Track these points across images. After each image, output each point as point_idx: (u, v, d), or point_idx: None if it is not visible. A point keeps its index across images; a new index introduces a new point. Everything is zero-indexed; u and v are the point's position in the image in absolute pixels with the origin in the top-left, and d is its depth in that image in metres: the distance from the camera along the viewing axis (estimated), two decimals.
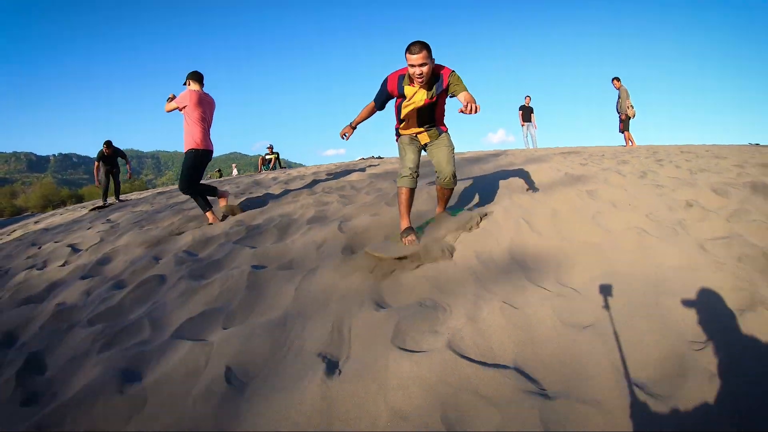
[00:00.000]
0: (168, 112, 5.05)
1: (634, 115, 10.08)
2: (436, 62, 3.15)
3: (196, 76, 5.13)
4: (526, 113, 12.89)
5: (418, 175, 3.35)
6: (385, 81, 3.31)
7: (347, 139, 3.51)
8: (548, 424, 1.48)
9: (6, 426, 1.91)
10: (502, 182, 5.12)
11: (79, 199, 28.42)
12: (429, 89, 3.19)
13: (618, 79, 10.13)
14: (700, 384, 1.60)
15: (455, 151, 3.56)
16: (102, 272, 3.74)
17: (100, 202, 10.74)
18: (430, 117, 3.38)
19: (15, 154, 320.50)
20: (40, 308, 3.15)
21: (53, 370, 2.29)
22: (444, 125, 3.56)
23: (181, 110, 4.88)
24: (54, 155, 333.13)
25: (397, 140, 3.59)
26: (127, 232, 5.10)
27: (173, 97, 5.06)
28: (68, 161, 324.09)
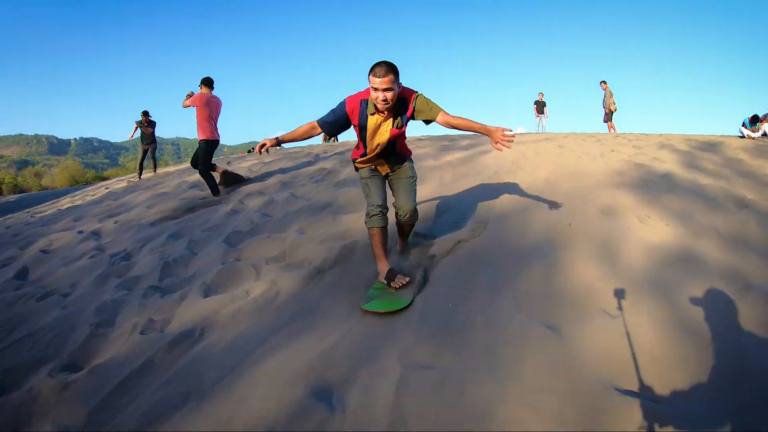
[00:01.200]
0: (184, 107, 6.54)
1: (615, 110, 13.02)
2: (403, 86, 2.79)
3: (207, 81, 6.55)
4: (540, 106, 16.08)
5: (387, 210, 3.03)
6: (344, 104, 2.84)
7: (264, 152, 2.92)
8: None
9: None
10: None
11: (104, 180, 30.72)
12: (394, 118, 2.84)
13: (605, 82, 13.25)
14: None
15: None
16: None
17: (136, 177, 11.37)
18: (392, 148, 3.02)
19: (36, 136, 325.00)
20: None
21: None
22: (407, 150, 3.21)
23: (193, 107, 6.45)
24: (75, 139, 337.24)
25: (356, 171, 3.21)
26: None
27: (191, 94, 6.52)
28: (89, 145, 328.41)
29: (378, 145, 2.91)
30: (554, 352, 2.05)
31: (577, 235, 3.19)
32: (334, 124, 2.85)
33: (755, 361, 1.90)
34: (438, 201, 4.39)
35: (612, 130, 13.17)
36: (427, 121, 2.86)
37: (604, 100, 13.54)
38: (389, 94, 2.61)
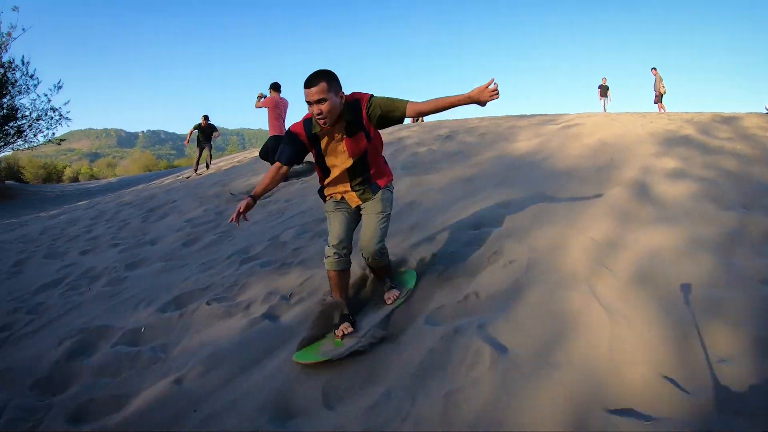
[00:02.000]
0: (257, 108, 7.72)
1: (665, 92, 14.77)
2: (349, 92, 2.46)
3: (276, 86, 7.80)
4: (603, 90, 18.35)
5: (349, 252, 2.62)
6: (289, 132, 2.55)
7: (243, 220, 2.50)
8: None
9: None
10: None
11: (173, 169, 34.75)
12: (348, 133, 2.48)
13: (655, 68, 15.17)
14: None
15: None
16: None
17: (192, 173, 12.79)
18: (363, 168, 2.62)
19: (105, 130, 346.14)
20: None
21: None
22: (383, 176, 2.77)
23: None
24: (143, 131, 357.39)
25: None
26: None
27: (262, 96, 7.71)
28: (156, 137, 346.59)
29: (338, 168, 2.60)
30: None
31: (620, 168, 5.28)
32: (294, 152, 2.53)
33: None
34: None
35: (662, 110, 14.82)
36: (395, 120, 2.46)
37: (654, 84, 15.39)
38: (323, 106, 2.30)
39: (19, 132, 19.39)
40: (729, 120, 7.91)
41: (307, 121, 2.49)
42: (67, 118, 20.23)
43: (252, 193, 2.53)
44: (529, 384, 1.99)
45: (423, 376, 2.22)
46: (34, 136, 19.92)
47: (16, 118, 19.22)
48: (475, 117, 12.60)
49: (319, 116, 2.34)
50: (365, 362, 2.42)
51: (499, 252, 3.30)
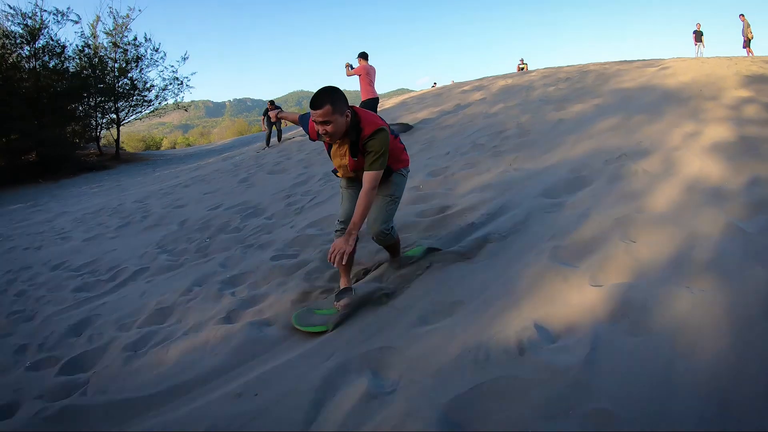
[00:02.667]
0: (348, 76, 8.40)
1: (752, 38, 15.73)
2: (369, 115, 2.50)
3: (364, 55, 8.47)
4: (698, 36, 18.91)
5: None
6: (307, 119, 2.71)
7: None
8: None
9: None
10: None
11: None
12: (351, 149, 2.52)
13: (743, 15, 15.85)
14: None
15: None
16: None
17: (264, 146, 14.06)
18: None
19: (194, 102, 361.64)
20: None
21: None
22: (397, 163, 2.75)
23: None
24: (229, 101, 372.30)
25: None
26: None
27: (350, 65, 8.34)
28: (242, 105, 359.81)
29: (342, 167, 2.66)
30: None
31: (708, 99, 7.13)
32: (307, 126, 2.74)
33: None
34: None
35: (750, 54, 15.80)
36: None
37: (742, 29, 15.95)
38: (328, 128, 2.30)
39: (147, 101, 22.50)
40: None
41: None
42: (189, 86, 23.68)
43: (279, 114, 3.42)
44: None
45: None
46: (159, 104, 23.01)
47: (148, 89, 22.39)
48: (581, 64, 14.20)
49: (325, 135, 2.37)
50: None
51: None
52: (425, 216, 4.09)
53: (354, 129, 2.46)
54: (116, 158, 21.07)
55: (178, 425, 2.03)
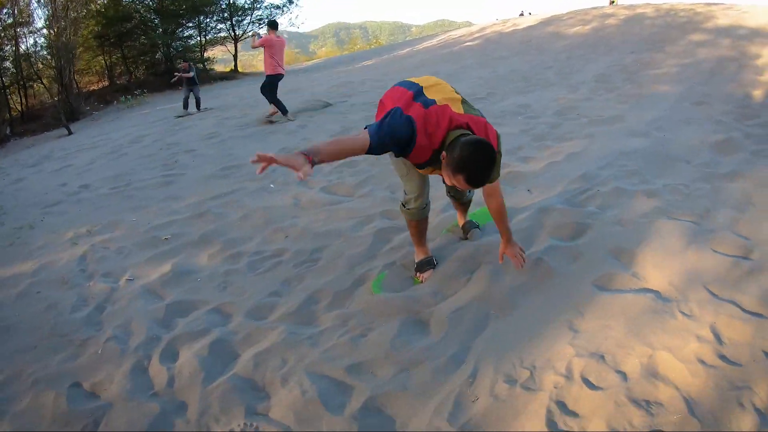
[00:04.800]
0: (253, 48, 7.31)
1: None
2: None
3: (272, 24, 7.26)
4: None
5: (427, 201, 2.34)
6: (414, 131, 1.87)
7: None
8: None
9: None
10: None
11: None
12: None
13: None
14: None
15: None
16: None
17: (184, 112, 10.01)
18: None
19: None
20: None
21: None
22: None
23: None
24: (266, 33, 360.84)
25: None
26: None
27: (256, 34, 7.28)
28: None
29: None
30: None
31: None
32: (397, 150, 1.93)
33: None
34: None
35: None
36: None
37: None
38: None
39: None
40: None
41: (436, 152, 1.93)
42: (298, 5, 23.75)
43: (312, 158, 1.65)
44: None
45: None
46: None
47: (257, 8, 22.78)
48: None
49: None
50: None
51: None
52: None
53: None
54: (236, 71, 21.87)
55: None
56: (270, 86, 7.14)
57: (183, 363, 2.11)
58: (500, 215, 2.19)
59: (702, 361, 1.68)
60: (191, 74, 9.77)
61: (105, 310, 2.66)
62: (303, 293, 2.57)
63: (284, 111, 7.12)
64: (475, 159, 1.73)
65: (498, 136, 2.05)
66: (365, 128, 1.86)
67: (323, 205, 3.66)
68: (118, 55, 19.49)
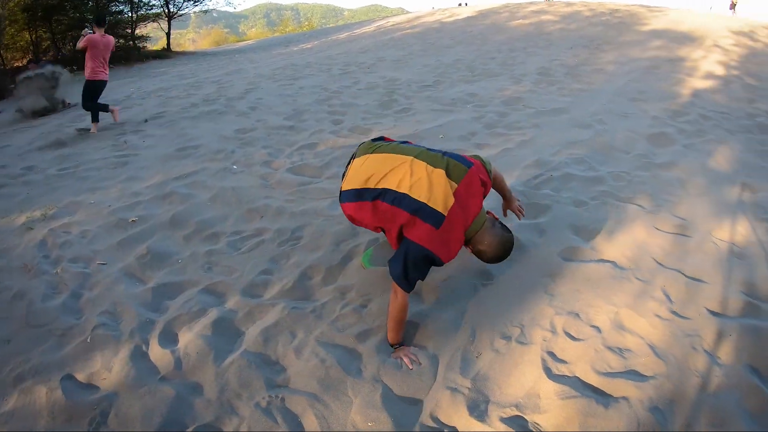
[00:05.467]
0: (78, 48, 5.72)
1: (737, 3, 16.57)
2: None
3: (99, 21, 5.81)
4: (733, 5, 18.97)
5: None
6: (436, 258, 1.82)
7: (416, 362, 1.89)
8: None
9: None
10: None
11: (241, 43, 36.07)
12: None
13: None
14: None
15: None
16: None
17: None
18: None
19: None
20: None
21: None
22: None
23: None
24: (194, 12, 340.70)
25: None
26: None
27: (86, 34, 5.65)
28: (209, 16, 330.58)
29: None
30: None
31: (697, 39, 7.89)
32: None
33: None
34: None
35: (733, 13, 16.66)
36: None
37: None
38: None
39: None
40: None
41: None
42: None
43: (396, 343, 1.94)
44: None
45: None
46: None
47: None
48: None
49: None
50: None
51: None
52: None
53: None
54: (169, 50, 20.22)
55: None
56: (89, 93, 5.81)
57: (187, 344, 2.03)
58: (501, 184, 2.23)
59: (658, 316, 2.02)
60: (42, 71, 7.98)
61: (82, 297, 2.48)
62: (295, 270, 2.55)
63: (95, 119, 5.83)
64: (500, 257, 1.90)
65: (484, 163, 2.03)
66: (390, 278, 1.86)
67: (294, 186, 3.60)
68: (44, 29, 17.68)
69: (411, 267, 1.79)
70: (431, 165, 1.88)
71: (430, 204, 1.79)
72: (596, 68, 7.07)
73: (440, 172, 1.85)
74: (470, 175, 1.88)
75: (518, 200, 2.37)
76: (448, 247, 1.82)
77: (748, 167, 3.58)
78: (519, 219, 2.40)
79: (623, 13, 11.36)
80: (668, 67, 6.86)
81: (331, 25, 29.99)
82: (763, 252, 2.45)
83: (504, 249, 1.88)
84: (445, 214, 1.77)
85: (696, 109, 5.00)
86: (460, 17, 15.02)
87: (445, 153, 1.97)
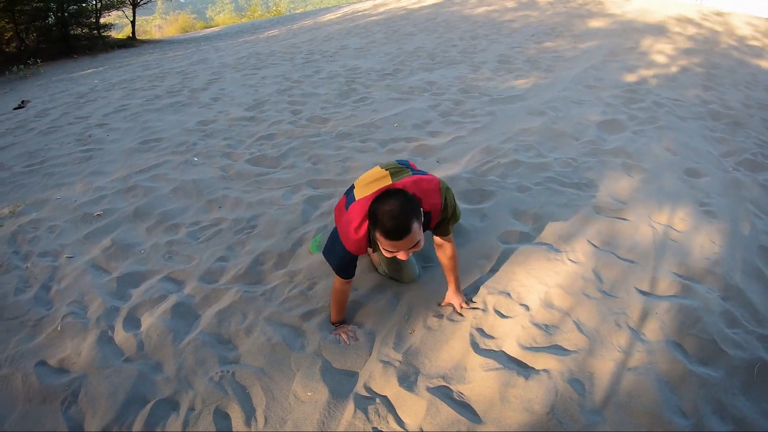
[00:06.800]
0: None
1: None
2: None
3: None
4: None
5: None
6: (350, 255, 1.85)
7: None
8: None
9: None
10: None
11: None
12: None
13: None
14: None
15: None
16: None
17: None
18: None
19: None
20: None
21: None
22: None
23: None
24: None
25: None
26: None
27: None
28: (176, 2, 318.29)
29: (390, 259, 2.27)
30: None
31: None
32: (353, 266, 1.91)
33: None
34: None
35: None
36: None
37: None
38: (417, 247, 1.66)
39: None
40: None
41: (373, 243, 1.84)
42: None
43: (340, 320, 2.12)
44: None
45: None
46: None
47: None
48: None
49: (407, 256, 1.67)
50: None
51: None
52: None
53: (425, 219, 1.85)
54: (134, 39, 19.19)
55: None
56: None
57: (149, 327, 2.20)
58: (451, 264, 2.06)
59: (587, 295, 2.11)
60: None
61: (52, 289, 2.60)
62: (249, 256, 2.70)
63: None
64: (383, 210, 1.55)
65: (441, 186, 1.85)
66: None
67: (251, 177, 3.71)
68: (7, 20, 16.84)
69: (329, 249, 1.93)
70: (385, 169, 1.94)
71: (355, 189, 1.94)
72: (556, 56, 7.07)
73: (386, 172, 1.90)
74: (414, 180, 1.82)
75: (464, 296, 2.16)
76: (347, 228, 1.79)
77: (695, 153, 3.65)
78: (458, 312, 2.13)
79: (589, 2, 11.45)
80: (627, 55, 6.83)
81: (299, 11, 29.25)
82: (699, 235, 2.54)
83: (376, 199, 1.64)
84: (356, 198, 1.84)
85: (651, 96, 5.05)
86: (426, 3, 14.94)
87: (414, 171, 1.97)
